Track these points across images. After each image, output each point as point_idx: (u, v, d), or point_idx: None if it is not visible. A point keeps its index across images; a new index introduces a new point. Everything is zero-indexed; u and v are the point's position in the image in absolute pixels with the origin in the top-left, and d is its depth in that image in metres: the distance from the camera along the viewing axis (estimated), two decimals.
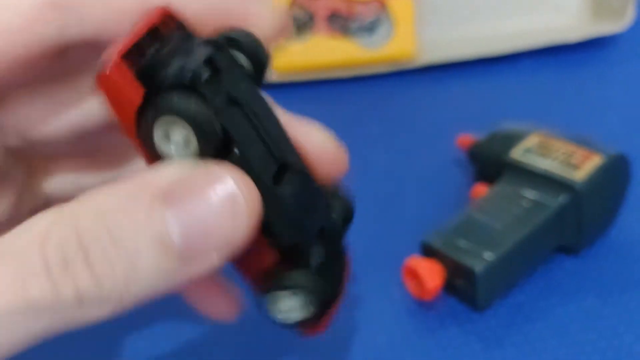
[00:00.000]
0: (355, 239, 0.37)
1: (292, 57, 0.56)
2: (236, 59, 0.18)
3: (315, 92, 0.55)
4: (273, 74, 0.57)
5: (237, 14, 0.20)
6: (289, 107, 0.57)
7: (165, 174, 0.17)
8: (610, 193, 0.34)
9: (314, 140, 0.21)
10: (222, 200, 0.16)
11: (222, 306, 0.23)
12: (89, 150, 0.24)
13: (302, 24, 0.56)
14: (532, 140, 0.35)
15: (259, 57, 0.19)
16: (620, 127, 0.45)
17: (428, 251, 0.32)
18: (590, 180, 0.32)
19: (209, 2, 0.20)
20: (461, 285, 0.31)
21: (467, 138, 0.40)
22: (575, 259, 0.34)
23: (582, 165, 0.33)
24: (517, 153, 0.35)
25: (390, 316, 0.31)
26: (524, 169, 0.34)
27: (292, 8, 0.55)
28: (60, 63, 0.20)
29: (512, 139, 0.36)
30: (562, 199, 0.32)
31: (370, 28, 0.56)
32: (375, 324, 0.31)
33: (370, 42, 0.56)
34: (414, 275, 0.32)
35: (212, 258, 0.17)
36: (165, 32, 0.18)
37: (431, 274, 0.31)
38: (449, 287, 0.32)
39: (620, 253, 0.34)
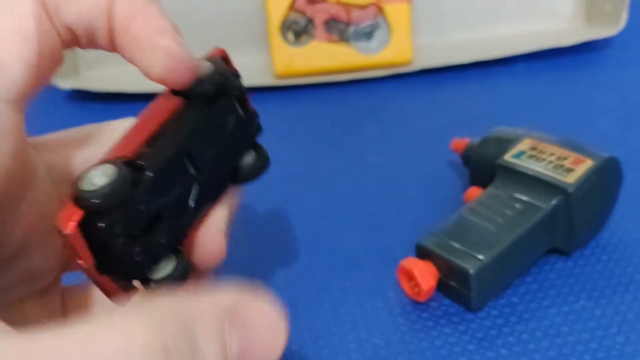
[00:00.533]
0: (350, 240, 0.38)
1: (292, 62, 0.56)
2: None
3: (313, 96, 0.56)
4: (274, 78, 0.57)
5: (143, 38, 0.22)
6: (289, 110, 0.58)
7: (226, 298, 0.19)
8: (602, 196, 0.35)
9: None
10: (273, 336, 0.19)
11: None
12: None
13: (300, 29, 0.57)
14: (524, 144, 0.36)
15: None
16: (612, 129, 0.46)
17: (422, 252, 0.32)
18: (582, 183, 0.33)
19: None
20: (455, 286, 0.31)
21: (461, 141, 0.41)
22: (567, 260, 0.34)
23: (574, 169, 0.33)
24: (510, 156, 0.35)
25: (385, 316, 0.32)
26: (517, 172, 0.34)
27: (291, 13, 0.56)
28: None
29: (505, 143, 0.36)
30: (554, 201, 0.33)
31: (367, 33, 0.57)
32: (370, 324, 0.32)
33: (367, 47, 0.56)
34: (409, 276, 0.32)
35: None
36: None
37: (426, 275, 0.32)
38: (443, 288, 0.32)
39: (612, 255, 0.34)
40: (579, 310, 0.31)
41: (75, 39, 0.22)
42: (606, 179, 0.34)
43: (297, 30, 0.57)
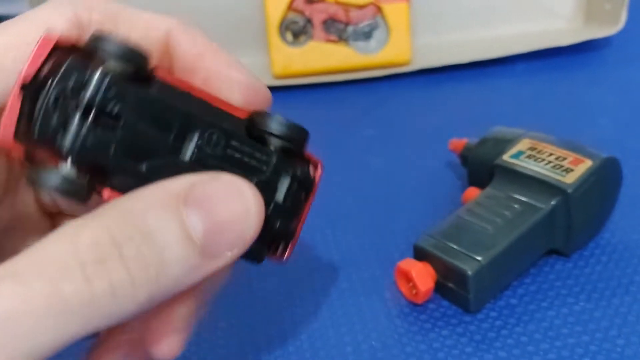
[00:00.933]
0: (347, 241, 0.37)
1: (290, 62, 0.56)
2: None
3: (312, 95, 0.56)
4: (272, 78, 0.57)
5: (217, 73, 0.22)
6: (287, 110, 0.58)
7: (181, 181, 0.18)
8: (601, 196, 0.34)
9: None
10: (239, 206, 0.18)
11: (167, 342, 0.22)
12: None
13: (299, 29, 0.56)
14: (523, 145, 0.35)
15: (136, 60, 0.18)
16: (612, 129, 0.46)
17: (420, 254, 0.32)
18: (581, 184, 0.32)
19: (195, 58, 0.22)
20: (453, 288, 0.31)
21: (459, 142, 0.40)
22: (566, 261, 0.34)
23: (573, 169, 0.33)
24: (509, 157, 0.35)
25: (382, 318, 0.32)
26: (515, 172, 0.34)
27: (290, 13, 0.56)
28: None
29: (504, 143, 0.36)
30: (553, 202, 0.32)
31: (366, 33, 0.56)
32: (367, 326, 0.31)
33: (366, 47, 0.56)
34: (407, 277, 0.32)
35: (227, 255, 0.19)
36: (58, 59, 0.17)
37: (423, 277, 0.31)
38: (441, 289, 0.32)
39: (611, 256, 0.34)
40: (579, 312, 0.31)
41: None
42: (605, 180, 0.34)
43: (296, 30, 0.56)
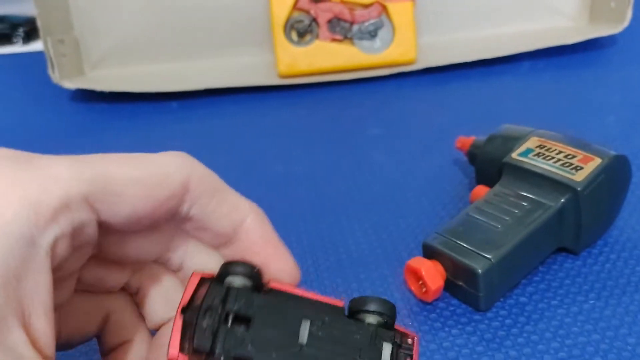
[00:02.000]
0: (356, 240, 0.37)
1: (295, 61, 0.56)
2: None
3: (317, 95, 0.56)
4: (277, 77, 0.57)
5: (268, 260, 0.25)
6: (293, 110, 0.58)
7: None
8: (610, 194, 0.34)
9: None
10: None
11: None
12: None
13: (304, 29, 0.56)
14: (531, 142, 0.35)
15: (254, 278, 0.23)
16: (618, 127, 0.46)
17: (430, 252, 0.32)
18: (591, 182, 0.32)
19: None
20: (463, 286, 0.31)
21: (466, 140, 0.40)
22: (576, 259, 0.34)
23: (582, 167, 0.33)
24: (517, 154, 0.35)
25: None
26: (524, 170, 0.34)
27: (295, 12, 0.56)
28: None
29: (511, 141, 0.36)
30: (562, 199, 0.32)
31: (371, 32, 0.56)
32: None
33: (371, 46, 0.56)
34: (416, 276, 0.32)
35: None
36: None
37: (433, 275, 0.31)
38: (451, 288, 0.32)
39: (620, 254, 0.34)
40: (589, 310, 0.31)
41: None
42: (615, 178, 0.34)
43: (301, 29, 0.56)
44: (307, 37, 0.56)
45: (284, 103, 0.55)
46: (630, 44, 0.57)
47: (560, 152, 0.34)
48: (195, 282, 0.23)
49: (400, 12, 0.55)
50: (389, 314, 0.24)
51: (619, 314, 0.31)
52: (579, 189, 0.32)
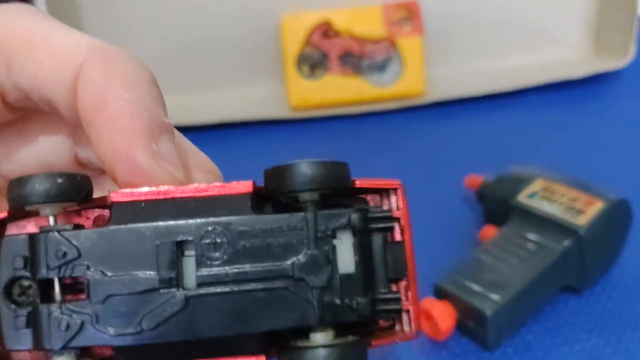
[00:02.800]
0: None
1: (307, 95, 0.58)
2: None
3: (328, 128, 0.58)
4: (289, 110, 0.59)
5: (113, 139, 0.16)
6: (305, 142, 0.59)
7: None
8: (612, 236, 0.36)
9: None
10: None
11: None
12: None
13: (316, 63, 0.58)
14: (537, 185, 0.37)
15: None
16: (621, 162, 0.47)
17: (441, 293, 0.34)
18: (593, 225, 0.34)
19: None
20: (472, 326, 0.33)
21: (475, 179, 0.42)
22: (579, 297, 0.36)
23: (585, 211, 0.35)
24: (524, 197, 0.37)
25: (404, 355, 0.33)
26: (530, 212, 0.36)
27: (306, 47, 0.58)
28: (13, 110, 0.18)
29: (519, 183, 0.38)
30: (566, 242, 0.34)
31: (381, 66, 0.58)
32: None
33: (381, 80, 0.58)
34: (428, 316, 0.33)
35: None
36: None
37: (444, 315, 0.33)
38: (461, 327, 0.34)
39: (622, 292, 0.36)
40: (591, 348, 0.33)
41: (28, 100, 0.18)
42: (616, 220, 0.36)
43: (312, 63, 0.58)
44: (319, 71, 0.58)
45: (294, 136, 0.57)
46: (635, 77, 0.59)
47: (563, 195, 0.36)
48: None
49: (409, 47, 0.57)
50: (328, 179, 0.15)
51: (620, 351, 0.32)
52: (581, 232, 0.34)
